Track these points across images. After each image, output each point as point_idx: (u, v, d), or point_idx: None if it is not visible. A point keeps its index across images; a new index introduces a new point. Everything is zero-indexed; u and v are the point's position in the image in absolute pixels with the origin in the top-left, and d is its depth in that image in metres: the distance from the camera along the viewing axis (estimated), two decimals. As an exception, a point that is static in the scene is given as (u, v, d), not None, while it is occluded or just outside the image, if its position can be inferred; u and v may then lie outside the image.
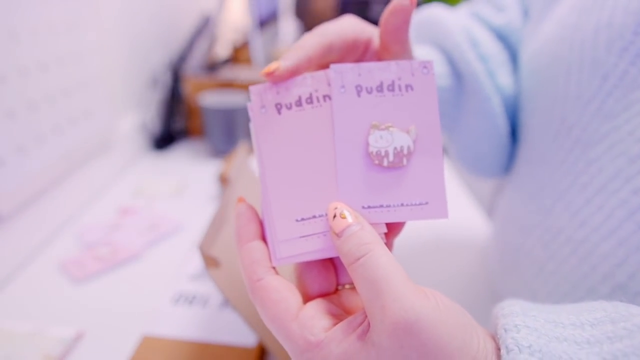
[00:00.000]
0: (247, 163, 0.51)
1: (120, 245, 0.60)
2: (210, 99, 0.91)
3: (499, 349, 0.21)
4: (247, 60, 1.25)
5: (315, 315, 0.23)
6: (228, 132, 0.89)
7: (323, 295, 0.26)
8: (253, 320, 0.36)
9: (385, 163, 0.25)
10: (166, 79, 0.95)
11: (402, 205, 0.26)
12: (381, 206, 0.25)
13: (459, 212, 0.75)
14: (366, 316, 0.22)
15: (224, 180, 0.72)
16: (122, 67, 0.83)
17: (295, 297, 0.24)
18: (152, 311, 0.49)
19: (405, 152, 0.26)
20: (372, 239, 0.23)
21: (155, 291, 0.52)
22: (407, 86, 0.26)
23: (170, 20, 1.06)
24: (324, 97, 0.26)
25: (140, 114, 0.91)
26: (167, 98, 0.94)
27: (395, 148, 0.25)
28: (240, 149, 0.54)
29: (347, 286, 0.27)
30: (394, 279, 0.21)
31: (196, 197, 0.76)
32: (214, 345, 0.44)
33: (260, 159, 0.25)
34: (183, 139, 1.00)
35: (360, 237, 0.23)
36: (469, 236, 0.67)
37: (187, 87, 0.96)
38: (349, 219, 0.23)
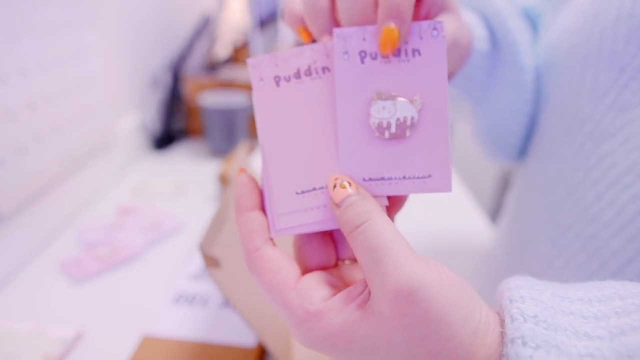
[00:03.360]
0: (247, 163, 0.51)
1: (120, 245, 0.60)
2: (210, 99, 0.91)
3: (503, 321, 0.21)
4: (247, 60, 1.25)
5: (315, 285, 0.23)
6: (228, 132, 0.89)
7: (322, 269, 0.25)
8: (253, 320, 0.36)
9: (386, 135, 0.24)
10: (166, 79, 0.95)
11: (404, 178, 0.25)
12: (382, 179, 0.25)
13: (462, 217, 0.75)
14: (366, 286, 0.22)
15: (224, 180, 0.72)
16: (122, 67, 0.83)
17: (293, 267, 0.23)
18: (152, 311, 0.49)
19: (408, 123, 0.24)
20: (373, 207, 0.22)
21: (155, 291, 0.52)
22: (414, 51, 0.25)
23: (170, 20, 1.06)
24: (323, 69, 0.25)
25: (140, 114, 0.91)
26: (167, 98, 0.94)
27: (398, 119, 0.24)
28: (240, 149, 0.54)
29: (347, 262, 0.26)
30: (396, 247, 0.20)
31: (196, 197, 0.76)
32: (214, 345, 0.44)
33: (260, 132, 0.25)
34: (183, 139, 1.00)
35: (360, 205, 0.22)
36: (472, 240, 0.67)
37: (187, 87, 0.96)
38: (349, 189, 0.23)
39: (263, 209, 0.25)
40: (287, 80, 0.25)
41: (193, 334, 0.45)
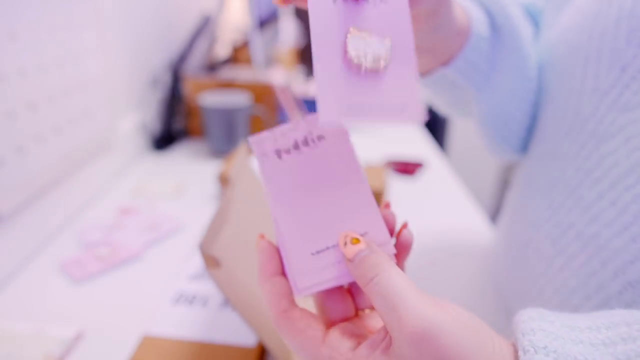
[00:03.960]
0: (247, 163, 0.51)
1: (120, 245, 0.60)
2: (210, 99, 0.91)
3: (517, 353, 0.22)
4: (247, 60, 1.25)
5: (341, 337, 0.25)
6: (228, 132, 0.89)
7: (344, 320, 0.27)
8: (253, 320, 0.36)
9: (363, 66, 0.26)
10: (166, 79, 0.95)
11: (380, 106, 0.26)
12: (360, 107, 0.26)
13: (463, 217, 0.75)
14: (387, 332, 0.23)
15: (224, 180, 0.72)
16: (122, 67, 0.83)
17: (319, 324, 0.25)
18: (152, 311, 0.49)
19: (382, 57, 0.26)
20: (383, 259, 0.24)
21: (155, 291, 0.52)
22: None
23: (170, 20, 1.06)
24: (318, 137, 0.28)
25: (140, 114, 0.91)
26: (167, 98, 0.94)
27: (373, 53, 0.26)
28: (240, 149, 0.54)
29: (366, 311, 0.28)
30: (407, 293, 0.22)
31: (196, 197, 0.76)
32: (214, 345, 0.44)
33: (271, 202, 0.27)
34: (183, 139, 1.00)
35: (372, 259, 0.24)
36: (472, 240, 0.67)
37: (187, 87, 0.96)
38: (360, 245, 0.25)
39: (284, 272, 0.27)
40: (288, 152, 0.28)
41: (193, 333, 0.45)
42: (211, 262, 0.36)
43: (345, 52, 0.26)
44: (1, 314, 0.48)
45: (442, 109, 0.53)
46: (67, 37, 0.63)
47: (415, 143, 1.05)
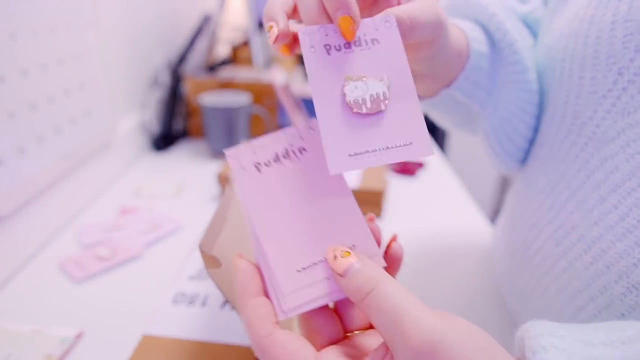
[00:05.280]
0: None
1: (120, 245, 0.60)
2: (210, 99, 0.91)
3: None
4: (247, 60, 1.25)
5: (337, 357, 0.23)
6: (228, 132, 0.89)
7: (332, 343, 0.25)
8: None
9: (363, 110, 0.26)
10: (166, 79, 0.95)
11: (387, 148, 0.26)
12: (367, 152, 0.26)
13: (463, 217, 0.75)
14: (387, 349, 0.22)
15: (224, 180, 0.72)
16: (122, 67, 0.83)
17: (308, 346, 0.23)
18: (152, 311, 0.49)
19: (381, 97, 0.26)
20: (378, 271, 0.23)
21: (155, 291, 0.52)
22: (372, 40, 0.27)
23: (170, 20, 1.06)
24: (300, 149, 0.27)
25: (140, 114, 0.91)
26: (167, 98, 0.94)
27: (371, 95, 0.26)
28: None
29: (356, 332, 0.27)
30: (409, 305, 0.21)
31: (196, 197, 0.76)
32: (214, 345, 0.44)
33: (250, 217, 0.26)
34: (183, 139, 1.00)
35: (366, 271, 0.23)
36: (472, 240, 0.67)
37: (187, 87, 0.96)
38: (350, 258, 0.23)
39: (266, 292, 0.25)
40: (268, 165, 0.27)
41: (193, 333, 0.45)
42: (211, 262, 0.36)
43: (345, 98, 0.26)
44: (1, 314, 0.48)
45: (448, 127, 0.53)
46: (67, 37, 0.63)
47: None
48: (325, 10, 0.27)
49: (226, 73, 1.04)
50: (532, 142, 0.47)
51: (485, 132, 0.49)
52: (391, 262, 0.27)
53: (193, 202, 0.74)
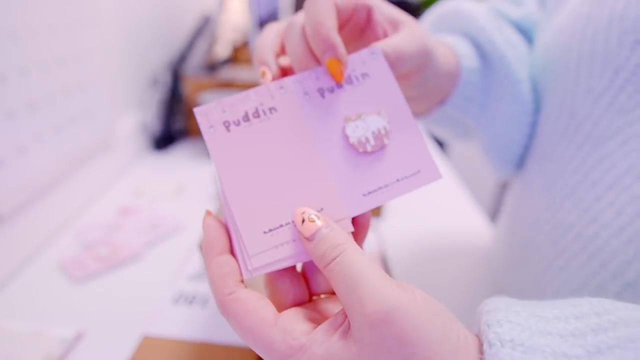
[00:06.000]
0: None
1: (120, 245, 0.60)
2: (210, 99, 0.91)
3: (481, 345, 0.21)
4: (247, 60, 1.25)
5: (295, 320, 0.23)
6: (228, 132, 0.89)
7: (297, 305, 0.26)
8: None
9: (369, 148, 0.27)
10: (166, 79, 0.95)
11: (397, 181, 0.27)
12: (380, 188, 0.26)
13: (462, 217, 0.75)
14: (346, 316, 0.22)
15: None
16: (122, 67, 0.83)
17: (270, 306, 0.23)
18: (152, 311, 0.49)
19: (383, 132, 0.27)
20: (344, 239, 0.23)
21: (155, 291, 0.52)
22: (362, 75, 0.28)
23: (170, 20, 1.06)
24: (270, 109, 0.26)
25: (140, 114, 0.91)
26: (167, 98, 0.94)
27: (373, 132, 0.27)
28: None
29: (322, 295, 0.27)
30: (370, 274, 0.21)
31: (196, 197, 0.76)
32: (214, 345, 0.44)
33: (219, 177, 0.25)
34: (183, 139, 1.00)
35: (332, 237, 0.23)
36: (472, 240, 0.67)
37: (187, 87, 0.96)
38: (318, 222, 0.23)
39: (232, 250, 0.25)
40: (237, 124, 0.26)
41: (193, 334, 0.45)
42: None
43: (348, 139, 0.26)
44: (1, 314, 0.48)
45: (447, 139, 0.54)
46: (67, 37, 0.63)
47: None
48: (312, 52, 0.28)
49: (226, 73, 1.04)
50: (528, 147, 0.47)
51: (482, 144, 0.49)
52: (359, 228, 0.27)
53: (193, 202, 0.74)
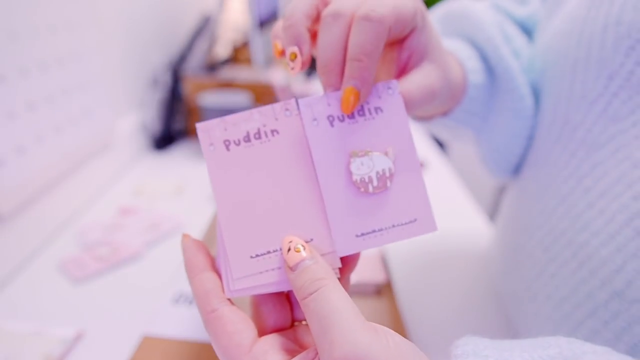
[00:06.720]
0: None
1: (120, 245, 0.60)
2: (210, 99, 0.91)
3: None
4: (247, 60, 1.25)
5: (269, 349, 0.23)
6: (228, 132, 0.89)
7: (279, 329, 0.25)
8: (253, 321, 0.36)
9: (370, 189, 0.26)
10: (166, 79, 0.95)
11: (393, 226, 0.26)
12: (374, 231, 0.26)
13: (462, 217, 0.75)
14: (317, 352, 0.22)
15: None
16: (122, 67, 0.83)
17: (249, 330, 0.23)
18: (152, 311, 0.49)
19: (387, 174, 0.26)
20: (326, 274, 0.22)
21: (155, 291, 0.52)
22: (376, 109, 0.27)
23: (170, 20, 1.06)
24: (272, 131, 0.26)
25: (140, 114, 0.91)
26: (167, 98, 0.94)
27: (377, 172, 0.26)
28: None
29: (303, 322, 0.27)
30: (344, 314, 0.21)
31: (196, 197, 0.76)
32: (214, 345, 0.44)
33: (215, 196, 0.25)
34: (183, 139, 1.00)
35: (314, 271, 0.22)
36: (472, 241, 0.67)
37: (187, 87, 0.96)
38: (303, 253, 0.23)
39: (214, 268, 0.26)
40: (237, 144, 0.26)
41: (193, 334, 0.45)
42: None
43: (351, 176, 0.26)
44: (1, 314, 0.48)
45: (445, 139, 0.54)
46: (67, 37, 0.63)
47: (416, 143, 1.05)
48: (343, 58, 0.25)
49: (226, 73, 1.04)
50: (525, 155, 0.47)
51: (479, 152, 0.49)
52: (346, 261, 0.27)
53: (193, 202, 0.74)
